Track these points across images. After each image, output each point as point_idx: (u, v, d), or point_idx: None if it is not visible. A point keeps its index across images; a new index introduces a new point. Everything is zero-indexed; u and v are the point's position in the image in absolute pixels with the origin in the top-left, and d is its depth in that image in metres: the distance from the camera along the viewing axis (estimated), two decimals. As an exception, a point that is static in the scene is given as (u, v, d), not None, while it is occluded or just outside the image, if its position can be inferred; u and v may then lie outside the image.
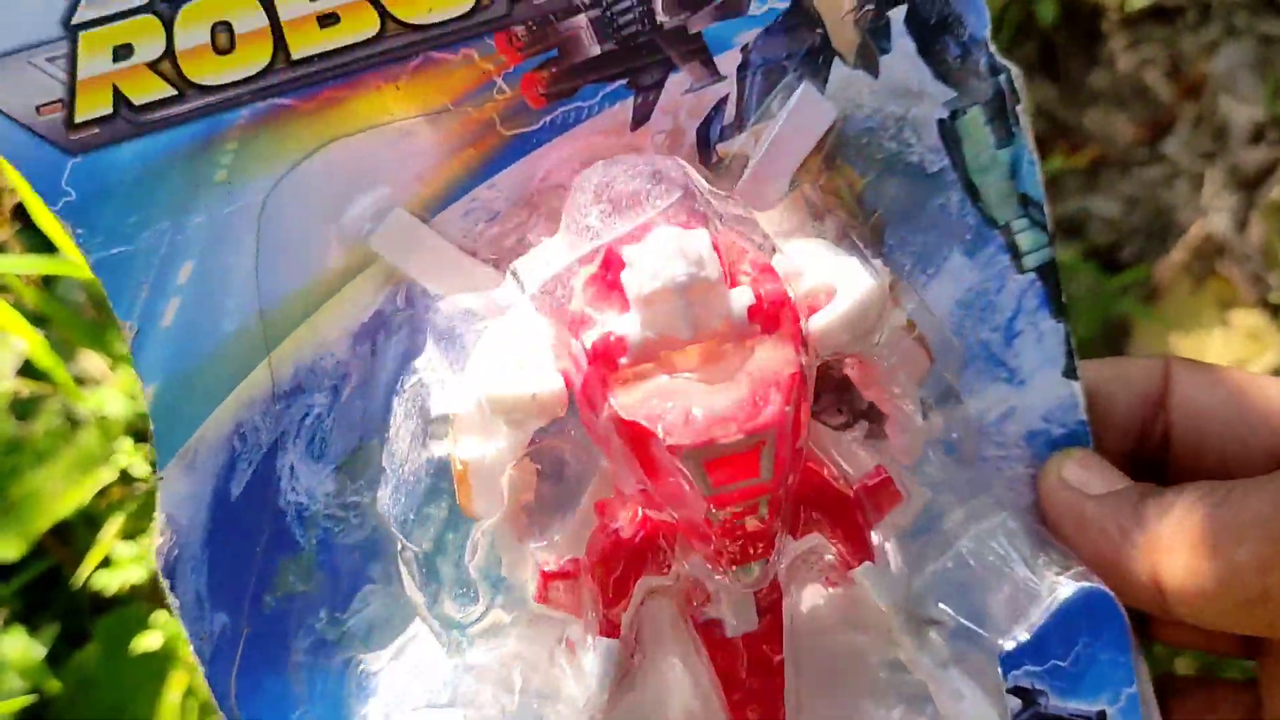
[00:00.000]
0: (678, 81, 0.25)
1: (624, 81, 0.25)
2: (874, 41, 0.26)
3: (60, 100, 0.23)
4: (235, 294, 0.25)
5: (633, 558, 0.25)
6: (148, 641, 0.55)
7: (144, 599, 0.58)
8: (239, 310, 0.25)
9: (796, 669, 0.28)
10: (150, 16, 0.23)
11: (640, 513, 0.25)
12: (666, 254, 0.22)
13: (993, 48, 0.27)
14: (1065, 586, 0.27)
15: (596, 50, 0.24)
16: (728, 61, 0.25)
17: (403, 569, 0.27)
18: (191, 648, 0.27)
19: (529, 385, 0.24)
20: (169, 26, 0.23)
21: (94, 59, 0.23)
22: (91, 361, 0.65)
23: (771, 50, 0.25)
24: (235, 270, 0.25)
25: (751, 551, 0.24)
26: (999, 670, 0.27)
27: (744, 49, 0.25)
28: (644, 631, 0.27)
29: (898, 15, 0.26)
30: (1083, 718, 0.28)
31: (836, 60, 0.26)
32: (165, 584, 0.27)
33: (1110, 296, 0.79)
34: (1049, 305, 0.29)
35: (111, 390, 0.61)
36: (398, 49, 0.24)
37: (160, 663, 0.55)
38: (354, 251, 0.25)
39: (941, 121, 0.27)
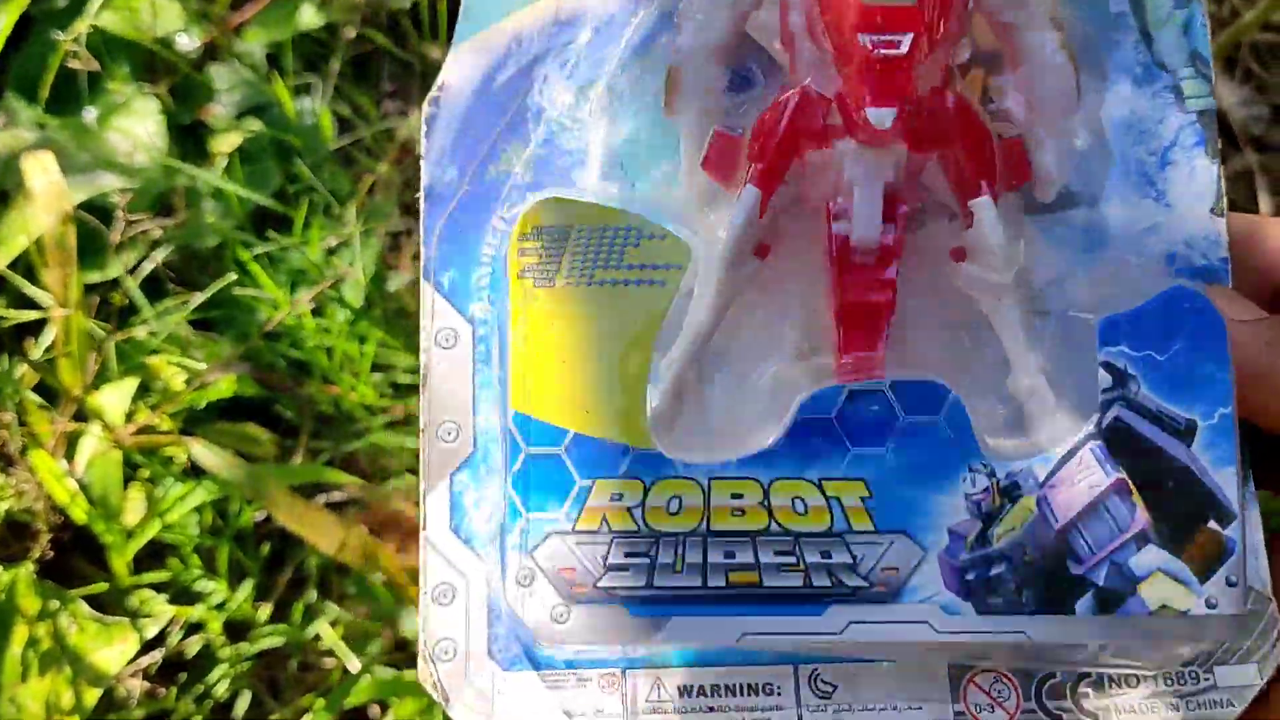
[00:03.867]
0: None
1: None
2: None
3: None
4: None
5: (794, 122, 0.30)
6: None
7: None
8: None
9: (902, 294, 0.30)
10: None
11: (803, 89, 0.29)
12: None
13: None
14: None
15: None
16: None
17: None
18: (422, 186, 0.34)
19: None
20: None
21: None
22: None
23: None
24: None
25: (888, 88, 0.28)
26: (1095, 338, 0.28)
27: None
28: (777, 245, 0.31)
29: None
30: (1171, 420, 0.28)
31: None
32: (423, 130, 0.34)
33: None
34: (1205, 146, 0.33)
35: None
36: None
37: (2, 616, 0.55)
38: None
39: (1129, -27, 0.34)
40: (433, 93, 0.34)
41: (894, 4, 0.27)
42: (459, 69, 0.35)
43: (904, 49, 0.27)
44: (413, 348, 0.72)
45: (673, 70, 0.32)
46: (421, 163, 0.34)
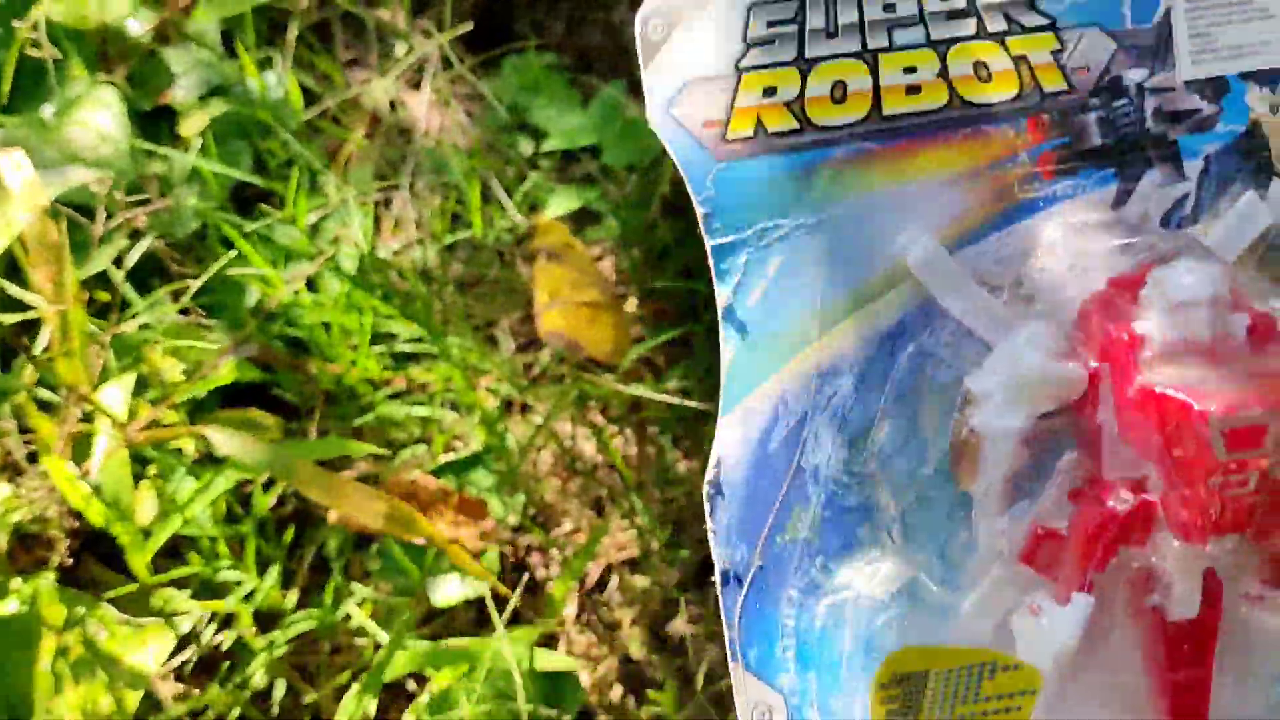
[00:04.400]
0: (1152, 176, 0.32)
1: (1113, 170, 0.32)
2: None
3: (721, 120, 0.32)
4: (804, 289, 0.33)
5: (1119, 529, 0.30)
6: (4, 608, 0.53)
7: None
8: (804, 302, 0.33)
9: (1220, 662, 0.31)
10: (793, 69, 0.32)
11: (1123, 493, 0.30)
12: (1196, 274, 0.29)
13: None
14: None
15: (1098, 142, 0.32)
16: (1193, 167, 0.32)
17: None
18: (716, 570, 0.34)
19: (1058, 369, 0.30)
20: (804, 79, 0.32)
21: (749, 94, 0.32)
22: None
23: (1227, 162, 0.32)
24: (808, 270, 0.33)
25: (1233, 521, 0.28)
26: None
27: (1206, 158, 0.32)
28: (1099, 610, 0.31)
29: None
30: None
31: (1276, 179, 0.32)
32: (707, 509, 0.34)
33: None
34: None
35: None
36: (956, 119, 0.32)
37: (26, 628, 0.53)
38: (894, 269, 0.33)
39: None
40: (710, 473, 0.34)
41: (1251, 455, 0.28)
42: (730, 441, 0.34)
43: (1251, 486, 0.28)
44: (411, 315, 0.71)
45: (963, 443, 0.32)
46: (711, 544, 0.34)
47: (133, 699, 0.52)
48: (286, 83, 0.80)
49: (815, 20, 0.31)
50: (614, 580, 0.74)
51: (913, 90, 0.31)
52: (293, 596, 0.65)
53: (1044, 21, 0.30)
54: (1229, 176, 0.32)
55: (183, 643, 0.62)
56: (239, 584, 0.62)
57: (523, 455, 0.70)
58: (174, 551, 0.65)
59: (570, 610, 0.73)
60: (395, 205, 0.85)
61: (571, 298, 0.68)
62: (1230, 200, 0.32)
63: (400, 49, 0.87)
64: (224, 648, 0.62)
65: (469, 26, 0.84)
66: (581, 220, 0.85)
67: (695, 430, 0.75)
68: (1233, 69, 0.31)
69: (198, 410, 0.65)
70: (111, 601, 0.57)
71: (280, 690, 0.65)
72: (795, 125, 0.31)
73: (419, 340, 0.72)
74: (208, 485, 0.54)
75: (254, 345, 0.60)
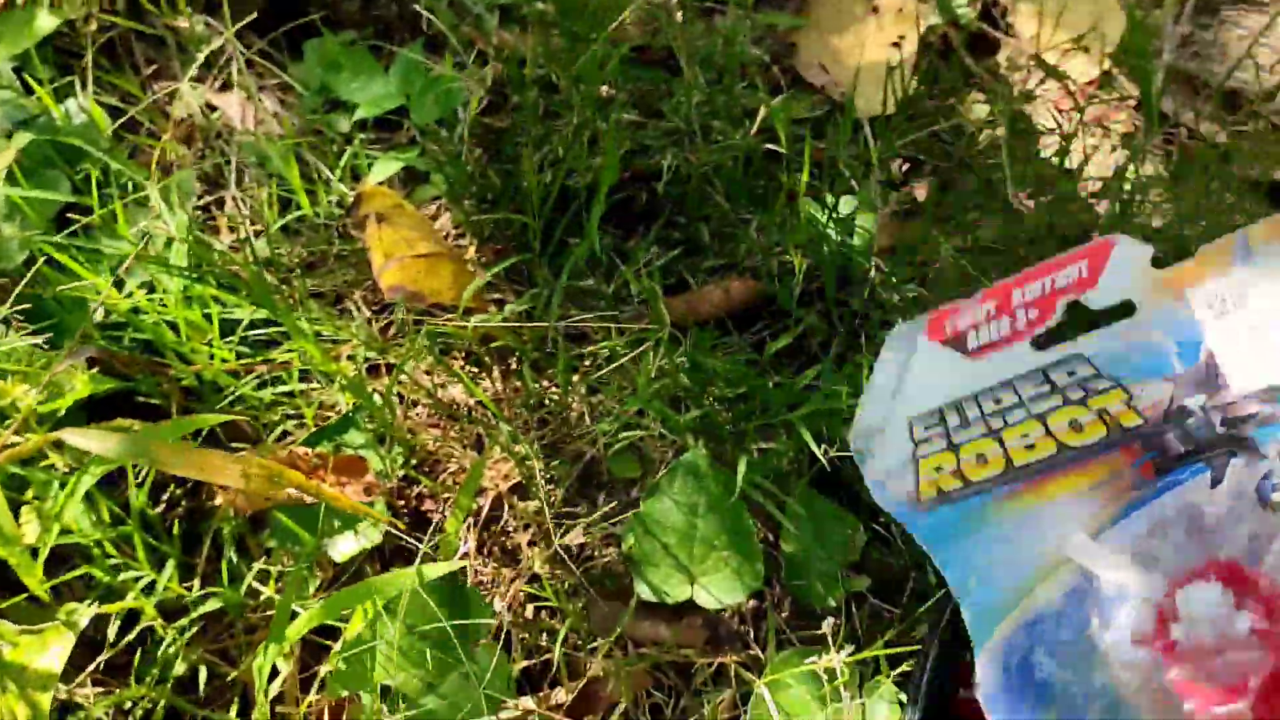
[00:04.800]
0: (1238, 461, 0.36)
1: (1202, 464, 0.37)
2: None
3: (914, 491, 0.43)
4: (999, 581, 0.40)
5: None
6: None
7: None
8: (1001, 589, 0.40)
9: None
10: (949, 452, 0.42)
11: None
12: None
13: None
14: None
15: (1181, 450, 0.37)
16: (1270, 448, 0.36)
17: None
18: None
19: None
20: (957, 456, 0.42)
21: (926, 473, 0.43)
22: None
23: None
24: (1000, 568, 0.39)
25: None
26: None
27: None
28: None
29: None
30: None
31: None
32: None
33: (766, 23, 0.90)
34: None
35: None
36: (1067, 459, 0.39)
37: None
38: (1057, 558, 0.38)
39: None
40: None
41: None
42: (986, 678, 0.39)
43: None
44: (256, 301, 0.73)
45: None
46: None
47: (45, 700, 0.54)
48: (89, 106, 0.81)
49: (952, 420, 0.42)
50: (505, 509, 0.78)
51: (1029, 447, 0.39)
52: (197, 588, 0.68)
53: (1111, 384, 0.38)
54: None
55: (97, 647, 0.64)
56: (138, 580, 0.64)
57: (390, 407, 0.73)
58: (68, 562, 0.67)
59: (470, 545, 0.76)
60: (227, 205, 0.87)
61: (407, 253, 0.71)
62: None
63: (203, 54, 0.88)
64: (139, 645, 0.64)
65: (253, 15, 0.85)
66: (412, 183, 0.88)
67: (546, 350, 0.79)
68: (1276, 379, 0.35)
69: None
70: (14, 620, 0.58)
71: (204, 675, 0.67)
72: (960, 485, 0.42)
73: (270, 325, 0.75)
74: (74, 487, 0.56)
75: (91, 347, 0.61)
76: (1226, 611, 0.33)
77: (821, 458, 0.69)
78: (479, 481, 0.72)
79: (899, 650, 0.64)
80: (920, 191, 0.90)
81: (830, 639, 0.62)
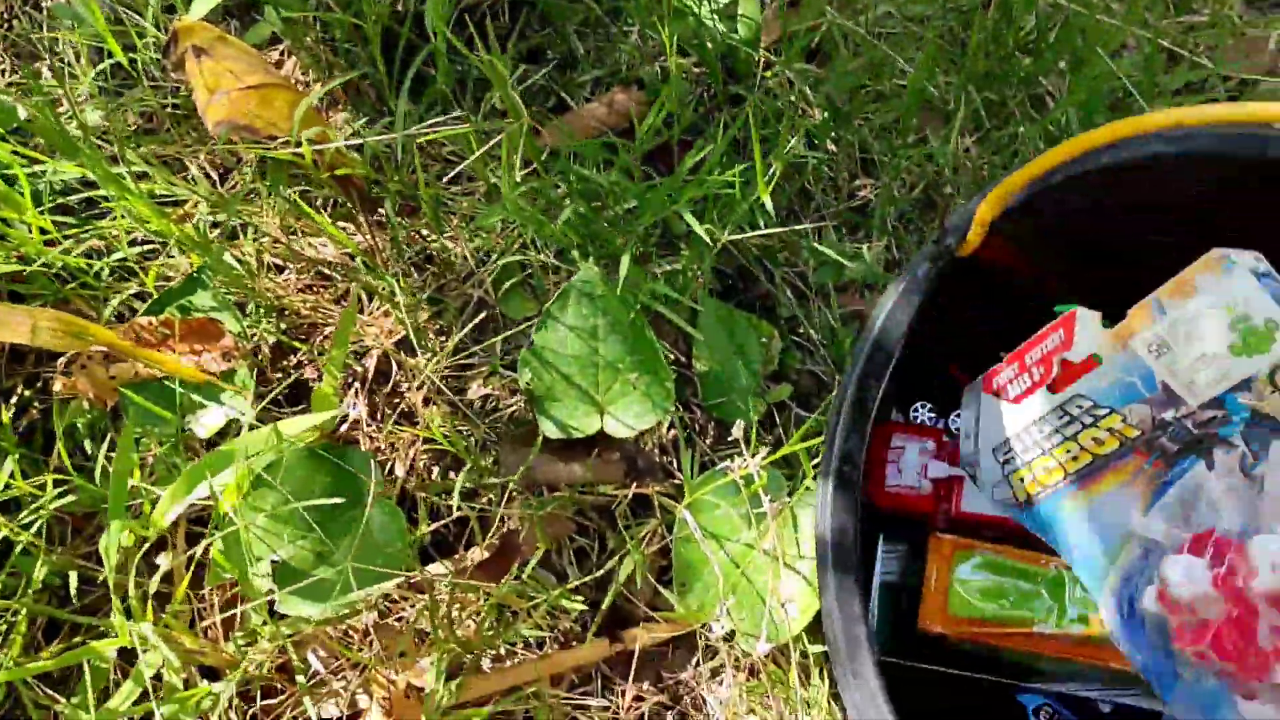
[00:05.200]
0: (1219, 451, 0.45)
1: (1195, 455, 0.46)
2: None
3: (1016, 494, 0.53)
4: (1092, 545, 0.49)
5: None
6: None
7: None
8: (1095, 550, 0.50)
9: None
10: (1025, 469, 0.52)
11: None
12: None
13: None
14: None
15: (1174, 447, 0.47)
16: (1235, 437, 0.45)
17: None
18: None
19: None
20: (1031, 470, 0.52)
21: (1017, 484, 0.53)
22: None
23: (1252, 429, 0.45)
24: (1088, 539, 0.50)
25: None
26: None
27: (1241, 434, 0.46)
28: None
29: None
30: None
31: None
32: None
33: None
34: None
35: None
36: (1102, 463, 0.49)
37: None
38: (1126, 531, 0.48)
39: None
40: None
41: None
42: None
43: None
44: (63, 151, 0.64)
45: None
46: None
47: None
48: None
49: (1018, 446, 0.52)
50: (395, 368, 0.71)
51: (1074, 459, 0.49)
52: (50, 488, 0.61)
53: (1108, 410, 0.48)
54: (1259, 435, 0.44)
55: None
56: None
57: (248, 270, 0.66)
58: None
59: (361, 410, 0.70)
60: (44, 75, 0.77)
61: (234, 86, 0.62)
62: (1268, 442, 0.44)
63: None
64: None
65: None
66: (240, 22, 0.79)
67: (414, 190, 0.71)
68: (1220, 390, 0.45)
69: None
70: None
71: (74, 580, 0.61)
72: (1040, 489, 0.51)
73: (94, 187, 0.66)
74: None
75: None
76: (1201, 573, 0.44)
77: (707, 239, 0.63)
78: (350, 331, 0.66)
79: (815, 442, 0.58)
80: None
81: (743, 444, 0.56)
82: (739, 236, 0.69)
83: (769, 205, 0.65)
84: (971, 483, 0.55)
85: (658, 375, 0.64)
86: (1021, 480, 0.51)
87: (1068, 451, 0.49)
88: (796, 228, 0.72)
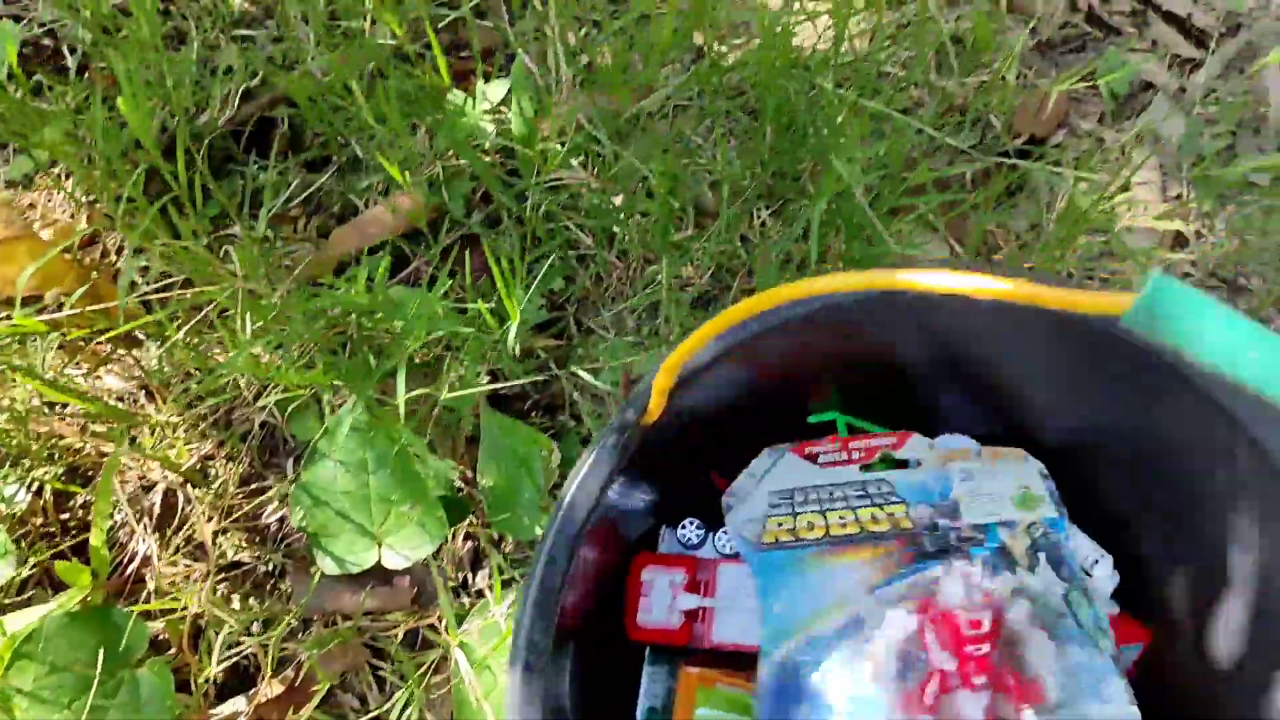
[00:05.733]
0: (960, 563, 0.53)
1: (938, 560, 0.53)
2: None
3: (760, 535, 0.56)
4: (801, 606, 0.54)
5: None
6: None
7: None
8: (801, 611, 0.54)
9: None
10: (789, 516, 0.57)
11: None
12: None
13: None
14: None
15: (929, 550, 0.54)
16: (978, 557, 0.54)
17: None
18: None
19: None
20: (795, 520, 0.57)
21: (771, 526, 0.57)
22: None
23: (994, 558, 0.54)
24: (803, 595, 0.54)
25: None
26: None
27: (985, 554, 0.54)
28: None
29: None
30: None
31: (1018, 567, 0.54)
32: None
33: None
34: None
35: None
36: (863, 537, 0.55)
37: None
38: (840, 598, 0.54)
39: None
40: None
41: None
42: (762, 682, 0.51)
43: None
44: None
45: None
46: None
47: None
48: None
49: (799, 498, 0.57)
50: (183, 500, 0.70)
51: (843, 525, 0.55)
52: None
53: (899, 501, 0.56)
54: (996, 563, 0.53)
55: None
56: None
57: (12, 415, 0.64)
58: None
59: (151, 546, 0.69)
60: None
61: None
62: (1000, 572, 0.53)
63: None
64: None
65: None
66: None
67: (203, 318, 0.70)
68: (991, 520, 0.55)
69: None
70: None
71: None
72: (791, 539, 0.55)
73: None
74: None
75: None
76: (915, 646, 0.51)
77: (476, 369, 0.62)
78: (110, 481, 0.64)
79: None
80: (605, 54, 0.81)
81: (496, 588, 0.56)
82: (528, 343, 0.68)
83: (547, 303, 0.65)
84: (723, 533, 0.59)
85: (429, 506, 0.63)
86: (780, 524, 0.56)
87: (841, 518, 0.56)
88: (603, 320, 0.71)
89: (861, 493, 0.57)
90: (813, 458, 0.59)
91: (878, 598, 0.53)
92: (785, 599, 0.54)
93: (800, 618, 0.53)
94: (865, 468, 0.59)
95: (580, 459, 0.47)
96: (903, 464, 0.60)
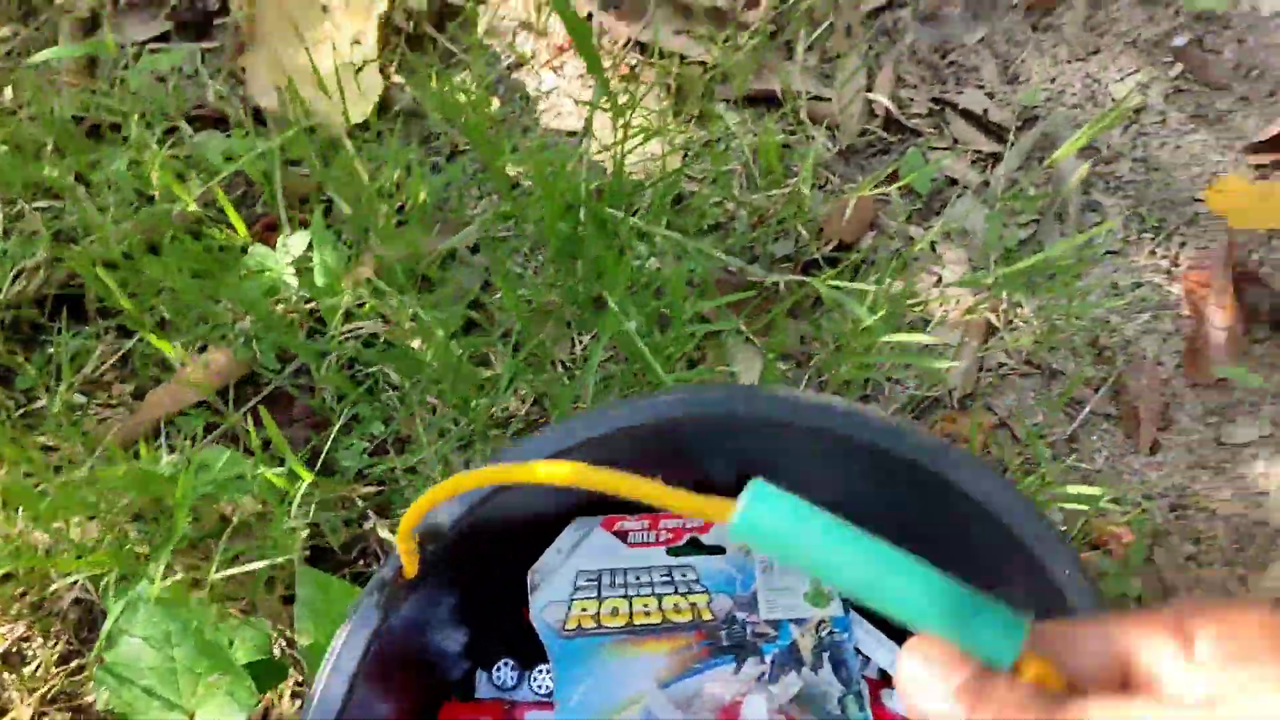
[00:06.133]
0: (754, 659, 0.55)
1: (733, 655, 0.55)
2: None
3: (563, 620, 0.55)
4: (597, 700, 0.54)
5: None
6: None
7: None
8: (597, 704, 0.54)
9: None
10: (595, 601, 0.56)
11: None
12: None
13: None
14: None
15: (725, 644, 0.55)
16: (770, 655, 0.55)
17: None
18: None
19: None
20: (600, 606, 0.56)
21: (576, 610, 0.56)
22: None
23: (784, 655, 0.56)
24: (598, 691, 0.54)
25: None
26: None
27: (773, 654, 0.56)
28: None
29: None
30: None
31: (803, 667, 0.56)
32: None
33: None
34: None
35: None
36: (664, 628, 0.55)
37: None
38: (636, 695, 0.54)
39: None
40: None
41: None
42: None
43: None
44: None
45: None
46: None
47: None
48: None
49: (605, 580, 0.56)
50: (-4, 686, 0.68)
51: (646, 613, 0.56)
52: None
53: (703, 590, 0.56)
54: (785, 661, 0.55)
55: None
56: None
57: None
58: None
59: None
60: None
61: None
62: (787, 671, 0.55)
63: None
64: None
65: None
66: None
67: None
68: (784, 617, 0.56)
69: None
70: None
71: None
72: (595, 625, 0.55)
73: None
74: None
75: None
76: None
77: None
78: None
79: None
80: (422, 190, 0.82)
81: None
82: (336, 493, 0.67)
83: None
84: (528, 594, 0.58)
85: (237, 675, 0.62)
86: (584, 609, 0.56)
87: (645, 605, 0.56)
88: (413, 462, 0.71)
89: (667, 578, 0.57)
90: (623, 535, 0.58)
91: (669, 694, 0.53)
92: (582, 692, 0.53)
93: (594, 714, 0.52)
94: (673, 550, 0.58)
95: (342, 627, 0.46)
96: (711, 549, 0.59)
